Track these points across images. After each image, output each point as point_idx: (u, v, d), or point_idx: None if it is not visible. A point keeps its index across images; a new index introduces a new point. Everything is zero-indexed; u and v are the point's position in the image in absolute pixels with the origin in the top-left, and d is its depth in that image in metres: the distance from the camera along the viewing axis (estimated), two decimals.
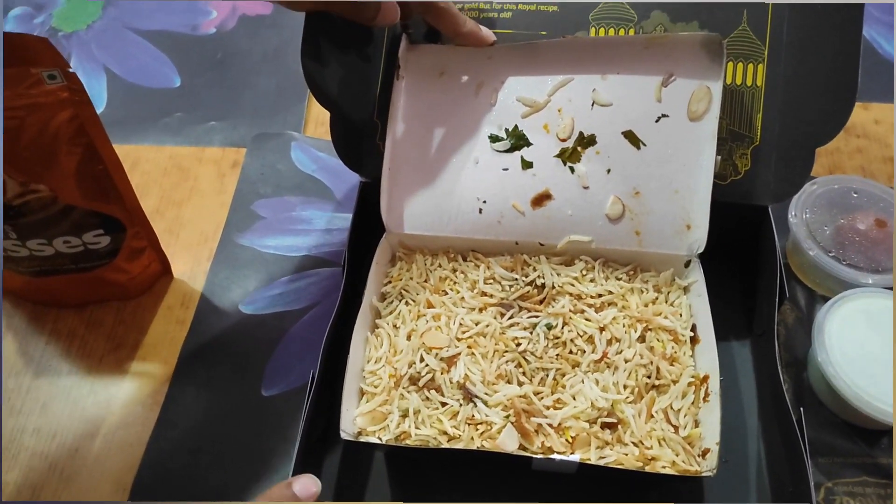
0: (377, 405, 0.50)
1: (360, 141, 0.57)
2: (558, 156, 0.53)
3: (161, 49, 0.81)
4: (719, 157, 0.52)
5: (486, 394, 0.49)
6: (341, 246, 0.64)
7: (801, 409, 0.47)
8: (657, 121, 0.51)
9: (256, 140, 0.73)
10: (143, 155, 0.72)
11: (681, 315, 0.53)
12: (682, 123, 0.51)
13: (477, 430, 0.48)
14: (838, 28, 0.51)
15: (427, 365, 0.51)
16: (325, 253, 0.65)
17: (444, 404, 0.49)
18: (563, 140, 0.53)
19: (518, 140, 0.53)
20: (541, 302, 0.54)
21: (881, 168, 0.68)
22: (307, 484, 0.41)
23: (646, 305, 0.54)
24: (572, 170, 0.53)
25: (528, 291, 0.54)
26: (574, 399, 0.49)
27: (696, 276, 0.54)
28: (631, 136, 0.52)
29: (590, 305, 0.53)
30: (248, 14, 0.85)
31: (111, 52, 0.81)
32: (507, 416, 0.48)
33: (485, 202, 0.54)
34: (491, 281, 0.55)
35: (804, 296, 0.59)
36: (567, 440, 0.48)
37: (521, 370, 0.51)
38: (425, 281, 0.56)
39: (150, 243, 0.61)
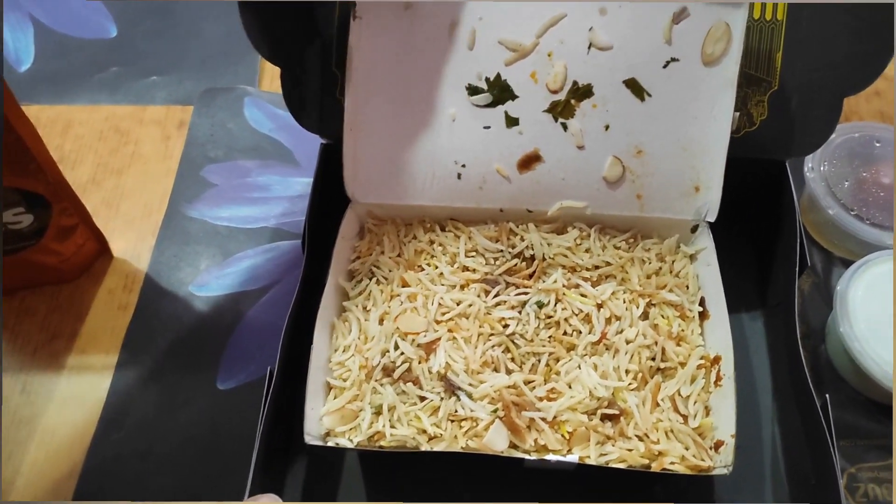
0: (346, 402, 0.44)
1: (316, 96, 0.49)
2: (548, 110, 0.46)
3: None
4: (737, 114, 0.45)
5: (470, 385, 0.43)
6: (304, 215, 0.57)
7: (826, 394, 0.41)
8: (665, 66, 0.44)
9: (205, 96, 0.65)
10: (75, 116, 0.64)
11: (687, 287, 0.48)
12: (695, 69, 0.44)
13: (461, 427, 0.43)
14: None
15: (402, 353, 0.45)
16: (285, 224, 0.58)
17: (422, 399, 0.44)
18: (554, 91, 0.45)
19: (501, 92, 0.46)
20: (530, 276, 0.48)
21: None
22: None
23: (648, 277, 0.48)
24: (565, 127, 0.46)
25: (516, 265, 0.48)
26: (570, 388, 0.44)
27: (705, 243, 0.48)
28: (634, 86, 0.44)
29: (585, 279, 0.47)
30: None
31: (38, 0, 0.71)
32: (495, 411, 0.43)
33: (464, 166, 0.47)
34: (473, 253, 0.49)
35: (821, 258, 0.54)
36: (563, 436, 0.43)
37: (509, 356, 0.45)
38: (398, 255, 0.49)
39: (82, 219, 0.53)
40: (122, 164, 0.62)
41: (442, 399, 0.43)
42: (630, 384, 0.44)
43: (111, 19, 0.71)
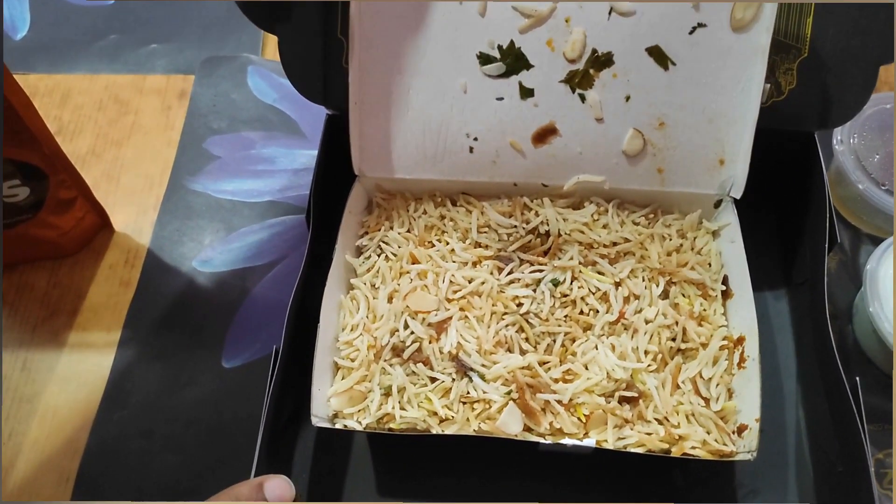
0: (354, 382, 0.43)
1: (320, 65, 0.47)
2: (565, 81, 0.44)
3: None
4: (769, 85, 0.43)
5: (482, 366, 0.42)
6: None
7: (857, 376, 0.39)
8: (691, 32, 0.41)
9: (207, 65, 0.63)
10: (74, 86, 0.62)
11: (710, 265, 0.46)
12: (724, 35, 0.41)
13: (473, 409, 0.41)
14: None
15: (412, 332, 0.43)
16: (291, 198, 0.56)
17: (433, 380, 0.42)
18: (572, 61, 0.43)
19: (515, 61, 0.43)
20: (545, 253, 0.46)
21: None
22: (280, 487, 0.36)
23: (668, 255, 0.46)
24: (583, 98, 0.44)
25: (531, 241, 0.46)
26: (586, 369, 0.42)
27: (729, 219, 0.46)
28: (657, 54, 0.42)
29: (603, 256, 0.45)
30: None
31: None
32: (509, 393, 0.41)
33: (476, 139, 0.45)
34: (486, 229, 0.47)
35: (848, 235, 0.51)
36: (580, 419, 0.41)
37: (523, 336, 0.43)
38: (408, 231, 0.48)
39: (81, 192, 0.52)
40: (122, 136, 0.60)
41: (453, 380, 0.42)
42: (649, 365, 0.42)
43: None
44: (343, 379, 0.43)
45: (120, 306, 0.52)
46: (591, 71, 0.43)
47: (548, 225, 0.46)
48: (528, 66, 0.43)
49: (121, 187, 0.57)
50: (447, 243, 0.47)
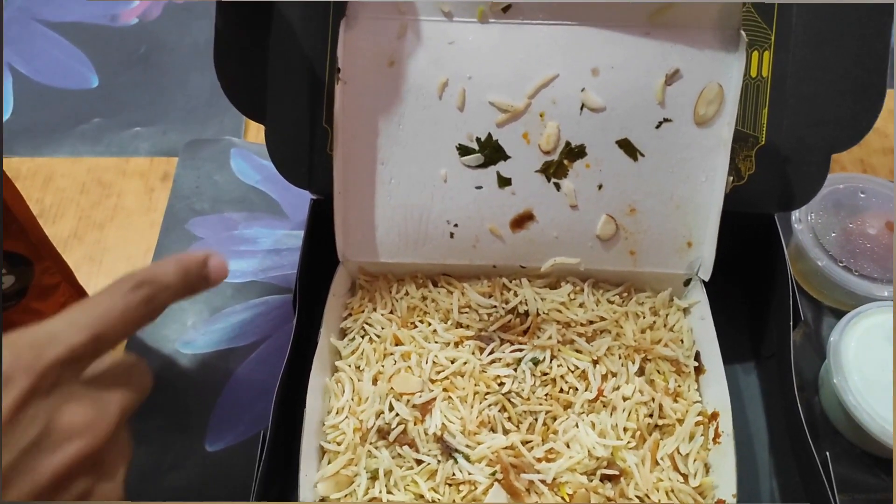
0: (341, 466, 0.43)
1: (305, 152, 0.49)
2: (541, 171, 0.46)
3: (75, 44, 0.72)
4: (731, 178, 0.45)
5: (467, 446, 0.43)
6: (293, 268, 0.56)
7: (824, 448, 0.41)
8: (658, 126, 0.44)
9: (190, 147, 0.64)
10: (57, 169, 0.63)
11: (682, 341, 0.47)
12: (688, 129, 0.44)
13: (459, 491, 0.42)
14: (861, 12, 0.44)
15: (397, 415, 0.44)
16: (274, 278, 0.57)
17: (419, 462, 0.43)
18: (547, 152, 0.46)
19: (493, 152, 0.46)
20: (524, 332, 0.47)
21: (881, 161, 0.63)
22: (221, 264, 0.32)
23: (643, 332, 0.48)
24: (558, 187, 0.46)
25: (510, 321, 0.48)
26: (568, 447, 0.43)
27: (698, 297, 0.48)
28: (627, 146, 0.45)
29: (580, 335, 0.47)
30: (175, 1, 0.75)
31: (17, 49, 0.71)
32: (494, 473, 0.42)
33: (456, 226, 0.47)
34: (466, 310, 0.49)
35: (810, 308, 0.54)
36: (564, 498, 0.42)
37: (506, 415, 0.44)
38: (391, 312, 0.49)
39: (65, 277, 0.52)
40: (105, 218, 0.60)
41: (439, 462, 0.42)
42: (629, 442, 0.43)
43: (92, 69, 0.70)
44: (329, 463, 0.43)
45: None
46: (566, 161, 0.45)
47: (527, 305, 0.48)
48: (506, 157, 0.46)
49: (103, 270, 0.58)
50: (429, 324, 0.48)
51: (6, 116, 0.66)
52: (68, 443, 0.25)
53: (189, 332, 0.54)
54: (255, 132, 0.66)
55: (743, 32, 0.43)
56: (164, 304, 0.29)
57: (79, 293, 0.54)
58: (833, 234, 0.53)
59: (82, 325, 0.26)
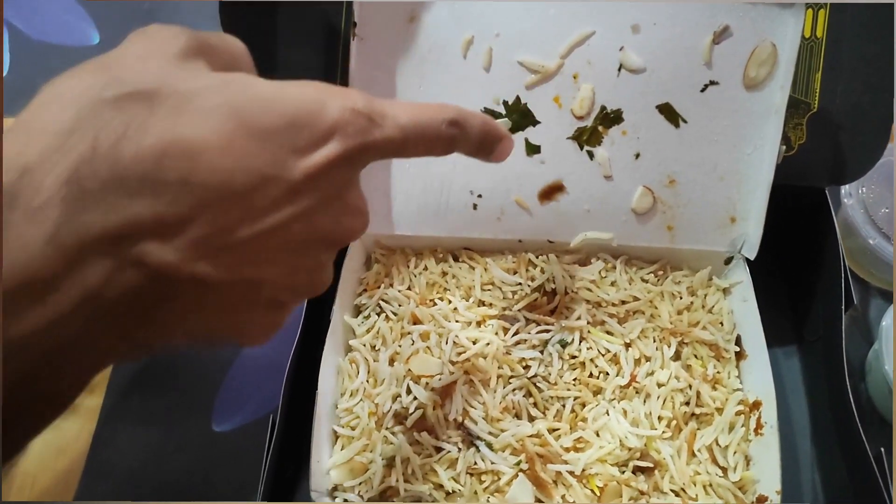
0: (355, 452, 0.41)
1: None
2: (573, 137, 0.42)
3: None
4: (783, 147, 0.42)
5: (490, 434, 0.40)
6: None
7: (878, 444, 0.38)
8: (703, 90, 0.40)
9: None
10: None
11: (722, 324, 0.44)
12: (737, 93, 0.40)
13: (481, 482, 0.40)
14: None
15: (415, 398, 0.41)
16: None
17: (438, 449, 0.40)
18: (580, 118, 0.42)
19: (521, 117, 0.42)
20: (552, 312, 0.44)
21: None
22: (509, 148, 0.32)
23: (679, 313, 0.45)
24: (591, 155, 0.42)
25: (536, 299, 0.45)
26: (598, 436, 0.41)
27: (740, 276, 0.45)
28: (668, 111, 0.41)
29: (612, 315, 0.44)
30: None
31: (14, 3, 0.68)
32: (518, 463, 0.39)
33: (480, 196, 0.44)
34: (490, 286, 0.45)
35: (857, 288, 0.50)
36: (593, 491, 0.39)
37: (531, 401, 0.41)
38: (408, 288, 0.46)
39: None
40: None
41: (460, 450, 0.40)
42: (664, 432, 0.41)
43: (93, 25, 0.66)
44: (343, 449, 0.41)
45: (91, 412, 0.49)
46: (600, 128, 0.42)
47: (554, 282, 0.45)
48: (535, 123, 0.42)
49: None
50: (450, 301, 0.45)
51: (2, 75, 0.63)
52: (352, 217, 0.25)
53: None
54: None
55: None
56: (454, 150, 0.29)
57: None
58: (886, 210, 0.49)
59: (401, 124, 0.25)
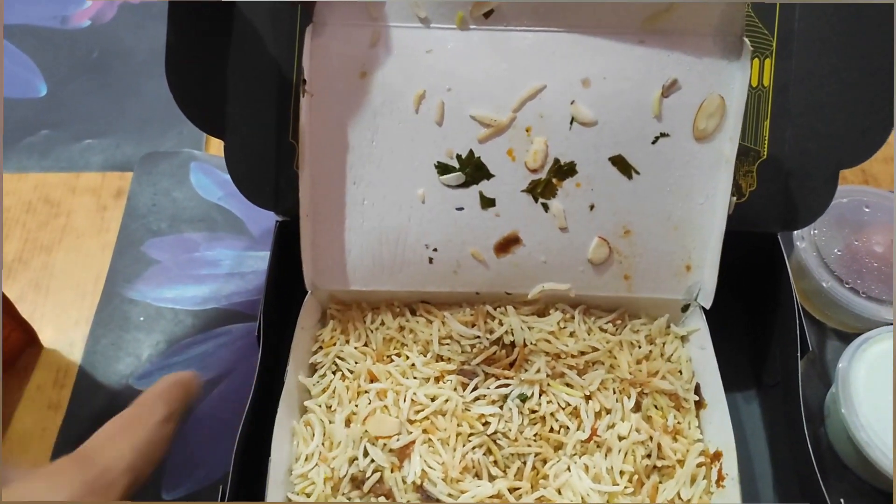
0: None
1: (270, 170, 0.45)
2: (528, 190, 0.42)
3: (21, 48, 0.67)
4: (734, 199, 0.42)
5: (450, 496, 0.39)
6: (259, 293, 0.52)
7: (838, 494, 0.38)
8: (654, 142, 0.41)
9: (146, 161, 0.60)
10: None
11: (680, 373, 0.44)
12: (687, 144, 0.41)
13: None
14: (869, 13, 0.41)
15: (373, 461, 0.40)
16: (238, 304, 0.53)
17: None
18: (534, 170, 0.42)
19: (475, 171, 0.42)
20: (511, 365, 0.44)
21: (883, 169, 0.60)
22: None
23: (638, 363, 0.44)
24: (546, 207, 0.42)
25: (495, 352, 0.44)
26: (560, 493, 0.40)
27: (697, 324, 0.44)
28: (621, 163, 0.41)
29: (571, 367, 0.43)
30: (131, 1, 0.70)
31: None
32: None
33: (435, 250, 0.43)
34: (448, 341, 0.45)
35: (813, 329, 0.51)
36: None
37: (491, 459, 0.40)
38: (365, 345, 0.45)
39: (5, 309, 0.47)
40: (53, 240, 0.56)
41: None
42: (625, 488, 0.40)
43: (40, 76, 0.65)
44: None
45: (48, 433, 0.47)
46: (554, 180, 0.41)
47: (513, 335, 0.44)
48: (489, 176, 0.42)
49: (50, 298, 0.53)
50: (407, 357, 0.44)
51: None
52: None
53: (144, 365, 0.50)
54: (217, 144, 0.60)
55: (746, 39, 0.39)
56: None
57: (21, 326, 0.49)
58: (837, 252, 0.49)
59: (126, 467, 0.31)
